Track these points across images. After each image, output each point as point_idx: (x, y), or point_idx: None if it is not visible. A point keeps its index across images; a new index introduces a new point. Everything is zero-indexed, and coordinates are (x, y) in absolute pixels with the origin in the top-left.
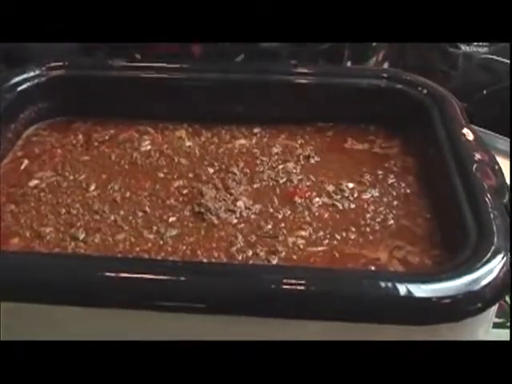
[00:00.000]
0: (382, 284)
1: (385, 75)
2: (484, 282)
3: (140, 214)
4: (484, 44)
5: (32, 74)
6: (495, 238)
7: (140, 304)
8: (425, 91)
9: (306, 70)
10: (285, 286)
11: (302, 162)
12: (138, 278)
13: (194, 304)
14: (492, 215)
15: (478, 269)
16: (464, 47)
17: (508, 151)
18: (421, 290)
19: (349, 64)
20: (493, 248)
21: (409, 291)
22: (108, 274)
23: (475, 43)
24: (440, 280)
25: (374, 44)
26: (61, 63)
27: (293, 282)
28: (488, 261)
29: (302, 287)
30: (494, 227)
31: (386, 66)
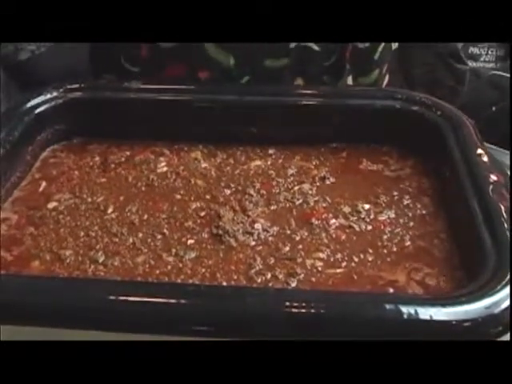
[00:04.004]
0: (403, 307)
1: (399, 96)
2: (504, 305)
3: (158, 236)
4: (491, 60)
5: (49, 96)
6: None
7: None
8: (439, 112)
9: (319, 92)
10: (305, 310)
11: (318, 184)
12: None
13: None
14: (510, 237)
15: (498, 291)
16: (471, 63)
17: None
18: (441, 314)
19: (350, 79)
20: None
21: (430, 315)
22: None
23: (482, 59)
24: (461, 303)
25: (376, 58)
26: (77, 85)
27: (314, 305)
28: (508, 283)
29: (323, 310)
30: None
31: (386, 79)
